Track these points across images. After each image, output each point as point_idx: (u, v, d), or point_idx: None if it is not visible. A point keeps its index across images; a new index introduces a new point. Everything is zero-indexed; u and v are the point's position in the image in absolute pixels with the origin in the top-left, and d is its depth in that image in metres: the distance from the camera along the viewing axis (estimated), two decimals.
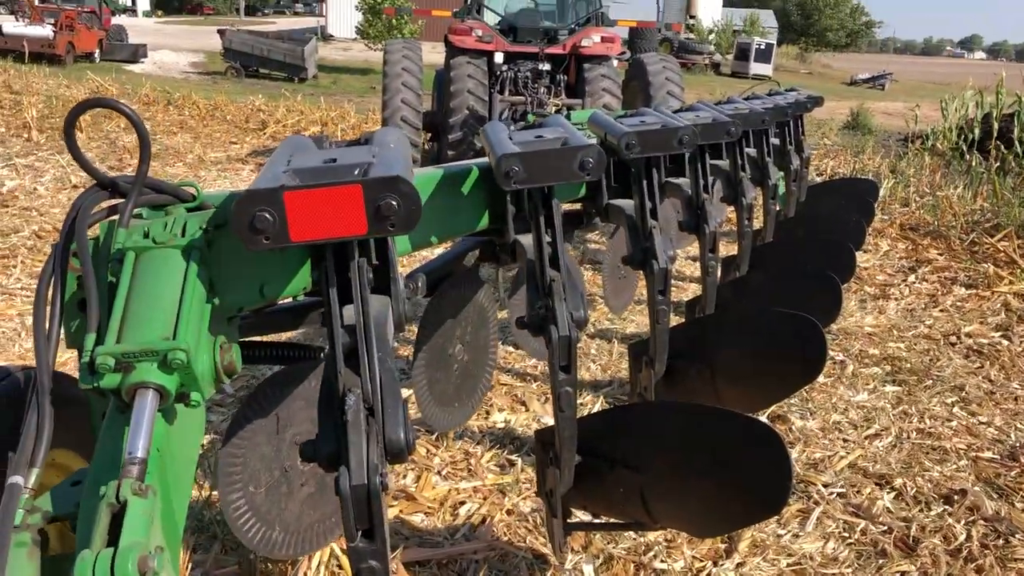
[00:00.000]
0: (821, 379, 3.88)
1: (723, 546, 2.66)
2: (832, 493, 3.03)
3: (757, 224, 3.94)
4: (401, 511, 2.78)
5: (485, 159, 2.04)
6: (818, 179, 8.13)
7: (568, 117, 3.43)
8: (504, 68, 8.23)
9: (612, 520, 2.32)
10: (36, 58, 20.07)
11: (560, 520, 2.15)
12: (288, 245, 1.24)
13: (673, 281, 2.80)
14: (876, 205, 5.65)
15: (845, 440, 3.46)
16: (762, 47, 40.10)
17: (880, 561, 2.67)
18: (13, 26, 22.05)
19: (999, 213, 7.28)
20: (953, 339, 4.73)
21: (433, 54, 11.19)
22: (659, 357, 2.64)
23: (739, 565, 2.59)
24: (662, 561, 2.57)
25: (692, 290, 5.21)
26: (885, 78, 41.56)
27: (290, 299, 1.74)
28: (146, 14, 64.13)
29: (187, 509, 1.36)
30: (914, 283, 5.83)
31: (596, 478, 2.08)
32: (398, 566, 2.43)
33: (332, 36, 43.62)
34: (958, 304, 5.38)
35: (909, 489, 3.08)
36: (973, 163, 9.73)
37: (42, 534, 1.24)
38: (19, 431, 1.26)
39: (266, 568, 2.42)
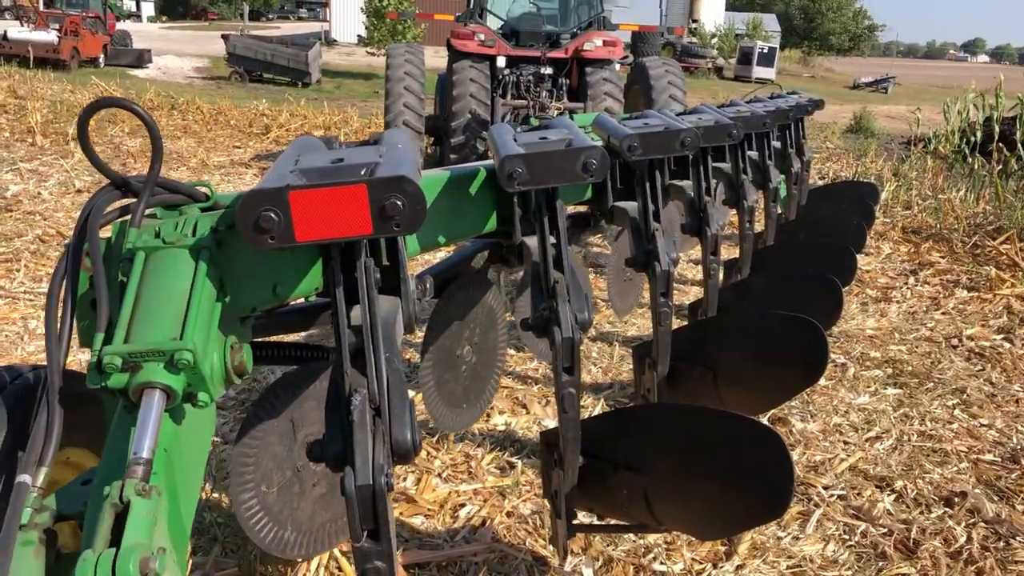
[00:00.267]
0: (822, 381, 3.88)
1: (723, 548, 2.66)
2: (832, 495, 3.03)
3: (758, 227, 3.95)
4: (401, 513, 2.79)
5: (492, 161, 2.05)
6: (820, 182, 8.12)
7: None
8: (506, 72, 8.25)
9: (616, 522, 2.32)
10: (41, 63, 20.10)
11: (564, 521, 2.15)
12: (294, 245, 1.23)
13: (675, 284, 2.81)
14: (876, 208, 5.65)
15: (846, 442, 3.46)
16: (765, 51, 39.98)
17: (880, 563, 2.67)
18: (18, 31, 22.07)
19: (1001, 216, 7.28)
20: (955, 342, 4.73)
21: (436, 58, 11.21)
22: (661, 359, 2.65)
23: (739, 567, 2.58)
24: (661, 563, 2.57)
25: (694, 293, 5.22)
26: (888, 82, 41.38)
27: (302, 300, 1.74)
28: (150, 19, 64.42)
29: (195, 510, 1.36)
30: (916, 286, 5.83)
31: (600, 480, 2.09)
32: (398, 568, 2.43)
33: (336, 41, 43.70)
34: (960, 307, 5.38)
35: (910, 491, 3.09)
36: (975, 166, 9.71)
37: (51, 533, 1.22)
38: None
39: (266, 570, 2.42)
